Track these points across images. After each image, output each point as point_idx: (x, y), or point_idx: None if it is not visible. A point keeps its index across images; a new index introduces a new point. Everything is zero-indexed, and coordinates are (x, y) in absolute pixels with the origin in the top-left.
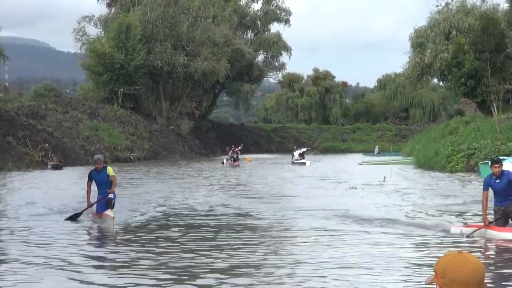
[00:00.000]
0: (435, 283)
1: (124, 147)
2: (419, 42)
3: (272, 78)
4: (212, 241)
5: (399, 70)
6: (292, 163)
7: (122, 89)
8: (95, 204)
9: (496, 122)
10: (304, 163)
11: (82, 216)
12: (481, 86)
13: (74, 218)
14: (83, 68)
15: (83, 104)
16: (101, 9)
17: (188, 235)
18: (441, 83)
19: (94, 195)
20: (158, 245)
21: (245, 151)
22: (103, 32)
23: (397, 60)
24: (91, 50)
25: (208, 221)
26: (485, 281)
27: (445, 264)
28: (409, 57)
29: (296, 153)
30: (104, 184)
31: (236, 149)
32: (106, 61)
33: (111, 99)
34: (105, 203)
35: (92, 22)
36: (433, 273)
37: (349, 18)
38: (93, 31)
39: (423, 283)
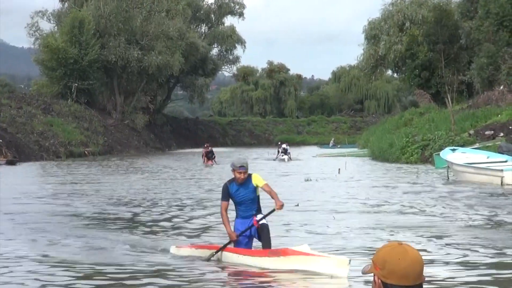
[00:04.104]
0: (373, 273)
1: (79, 142)
2: (373, 34)
3: (227, 72)
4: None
5: (353, 62)
6: (275, 159)
7: (76, 84)
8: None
9: (450, 113)
10: (283, 160)
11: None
12: (435, 77)
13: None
14: (36, 63)
15: (37, 100)
16: (54, 4)
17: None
18: (395, 75)
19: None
20: None
21: (200, 144)
22: (56, 27)
23: (351, 52)
24: (45, 45)
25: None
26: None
27: (385, 256)
28: (363, 49)
29: (280, 149)
30: (251, 202)
31: (210, 147)
32: (59, 56)
33: (65, 94)
34: (257, 235)
35: (45, 17)
36: (371, 263)
37: (304, 11)
38: (47, 26)
39: (361, 272)
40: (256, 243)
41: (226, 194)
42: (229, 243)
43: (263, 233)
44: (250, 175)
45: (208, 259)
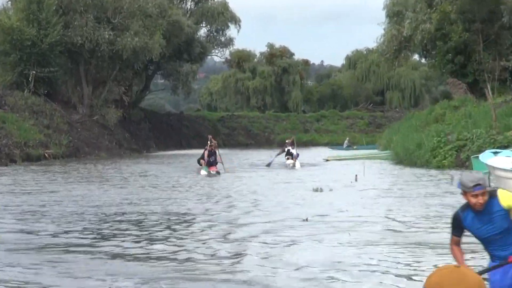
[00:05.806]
0: None
1: (37, 143)
2: (396, 10)
3: (218, 56)
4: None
5: (372, 45)
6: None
7: (34, 72)
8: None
9: (491, 107)
10: (288, 165)
11: None
12: (472, 63)
13: None
14: None
15: None
16: None
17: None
18: (423, 60)
19: None
20: None
21: (186, 145)
22: (10, 2)
23: (369, 33)
24: None
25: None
26: None
27: (440, 280)
28: (384, 29)
29: (286, 150)
30: (502, 237)
31: (213, 145)
32: (14, 38)
33: (20, 84)
34: None
35: None
36: None
37: None
38: None
39: None
40: None
41: (456, 226)
42: None
43: None
44: (493, 194)
45: None
